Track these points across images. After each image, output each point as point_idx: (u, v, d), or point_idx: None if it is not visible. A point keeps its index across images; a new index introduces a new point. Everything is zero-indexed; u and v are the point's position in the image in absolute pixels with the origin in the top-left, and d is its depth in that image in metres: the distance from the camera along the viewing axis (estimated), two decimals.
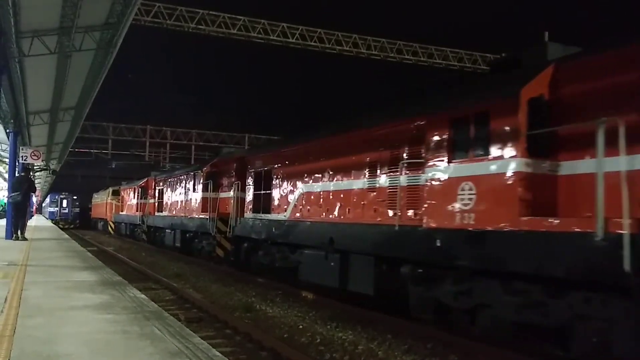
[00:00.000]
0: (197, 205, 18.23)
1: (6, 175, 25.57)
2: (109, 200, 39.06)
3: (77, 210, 52.27)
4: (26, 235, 16.97)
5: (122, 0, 11.66)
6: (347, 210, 9.88)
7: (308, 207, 11.18)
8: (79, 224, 50.37)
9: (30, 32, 12.37)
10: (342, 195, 10.06)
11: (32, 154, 20.00)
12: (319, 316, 9.19)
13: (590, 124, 5.67)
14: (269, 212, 12.80)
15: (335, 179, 10.38)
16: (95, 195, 50.77)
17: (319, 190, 10.85)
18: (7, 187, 21.58)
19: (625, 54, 5.96)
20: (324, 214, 10.57)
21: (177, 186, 21.33)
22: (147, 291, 10.58)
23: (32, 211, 45.12)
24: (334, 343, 7.43)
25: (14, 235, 16.36)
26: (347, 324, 8.48)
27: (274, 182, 12.76)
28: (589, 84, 6.26)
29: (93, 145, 49.44)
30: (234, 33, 29.32)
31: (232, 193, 15.40)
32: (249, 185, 14.16)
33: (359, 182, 9.55)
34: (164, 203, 23.26)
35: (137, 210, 28.64)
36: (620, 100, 5.81)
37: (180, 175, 21.20)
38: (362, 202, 9.40)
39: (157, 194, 24.81)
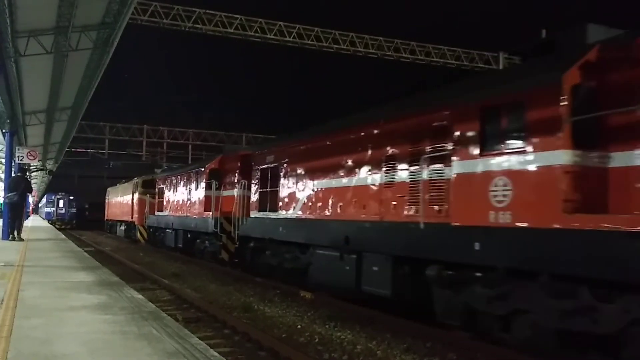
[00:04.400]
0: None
1: (2, 176, 25.52)
2: (137, 196, 27.73)
3: (74, 210, 52.15)
4: (22, 235, 16.93)
5: (118, 0, 11.63)
6: None
7: None
8: (75, 225, 50.25)
9: (26, 32, 12.32)
10: None
11: (29, 154, 19.93)
12: (317, 316, 9.17)
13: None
14: None
15: None
16: (110, 191, 39.92)
17: None
18: (3, 188, 21.52)
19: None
20: None
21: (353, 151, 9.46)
22: (144, 291, 10.54)
23: (29, 212, 45.05)
24: (332, 342, 7.41)
25: (10, 235, 16.32)
26: (346, 324, 8.46)
27: None
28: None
29: (90, 145, 49.40)
30: (230, 32, 29.28)
31: None
32: None
33: None
34: (284, 196, 11.88)
35: (205, 210, 17.09)
36: None
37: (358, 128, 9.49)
38: None
39: (257, 181, 13.47)
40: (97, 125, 46.68)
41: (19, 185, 16.34)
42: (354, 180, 9.39)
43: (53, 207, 51.92)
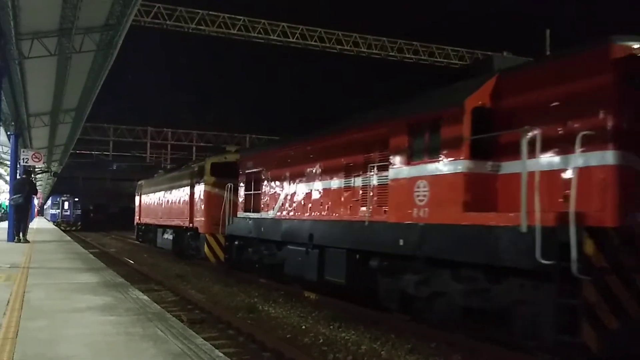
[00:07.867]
0: None
1: (7, 178, 25.60)
2: (203, 188, 17.14)
3: (79, 212, 52.31)
4: (28, 237, 16.95)
5: (121, 1, 11.66)
6: None
7: None
8: (80, 226, 50.41)
9: (30, 34, 12.37)
10: None
11: (33, 156, 20.02)
12: (321, 316, 9.16)
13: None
14: None
15: None
16: (144, 184, 28.21)
17: None
18: (8, 190, 21.59)
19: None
20: None
21: None
22: (149, 292, 10.55)
23: (34, 213, 45.16)
24: (337, 343, 7.40)
25: (16, 237, 16.36)
26: (350, 324, 8.46)
27: None
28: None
29: (94, 147, 49.51)
30: (234, 33, 29.33)
31: None
32: None
33: None
34: None
35: (497, 207, 6.88)
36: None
37: None
38: None
39: None
40: (101, 127, 46.75)
41: (24, 188, 16.37)
42: None
43: (58, 209, 52.07)
